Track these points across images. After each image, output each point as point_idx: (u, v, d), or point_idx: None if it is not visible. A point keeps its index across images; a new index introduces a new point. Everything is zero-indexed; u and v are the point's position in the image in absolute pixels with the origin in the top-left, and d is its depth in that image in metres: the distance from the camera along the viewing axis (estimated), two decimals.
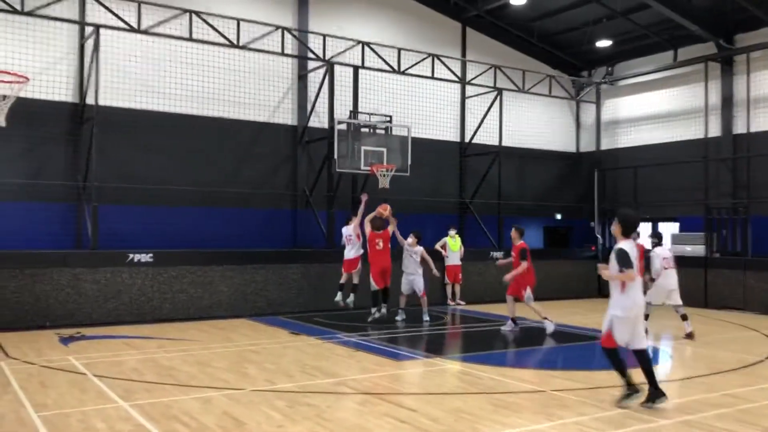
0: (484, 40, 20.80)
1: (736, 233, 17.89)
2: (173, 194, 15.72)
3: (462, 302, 17.20)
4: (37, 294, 12.75)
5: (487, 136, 19.84)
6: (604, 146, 22.20)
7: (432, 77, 18.26)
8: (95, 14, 14.56)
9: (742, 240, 17.70)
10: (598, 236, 20.98)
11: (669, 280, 12.09)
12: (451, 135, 20.34)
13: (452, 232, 17.44)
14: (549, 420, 6.73)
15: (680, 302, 12.17)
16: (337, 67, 16.89)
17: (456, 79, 19.20)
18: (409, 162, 16.28)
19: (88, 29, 14.66)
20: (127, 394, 7.61)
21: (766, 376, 9.08)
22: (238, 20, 15.35)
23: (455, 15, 20.25)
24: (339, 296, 13.81)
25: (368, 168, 15.87)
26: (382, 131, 16.61)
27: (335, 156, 15.66)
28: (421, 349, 11.51)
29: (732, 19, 18.19)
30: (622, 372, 7.31)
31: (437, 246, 17.19)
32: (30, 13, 13.53)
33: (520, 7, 19.48)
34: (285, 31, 16.14)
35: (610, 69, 21.93)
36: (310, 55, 17.05)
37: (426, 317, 13.89)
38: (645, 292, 12.26)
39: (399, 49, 17.51)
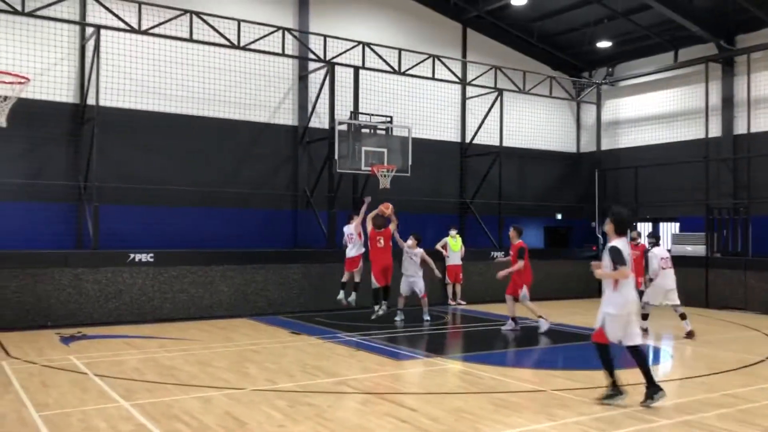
0: (484, 41, 20.81)
1: (736, 233, 17.88)
2: (174, 194, 15.74)
3: (463, 302, 17.21)
4: (38, 294, 12.76)
5: (487, 137, 19.85)
6: (604, 146, 22.19)
7: (432, 78, 18.26)
8: (96, 15, 14.57)
9: (743, 240, 17.70)
10: (599, 236, 20.97)
11: (667, 280, 12.13)
12: (452, 135, 20.35)
13: (453, 232, 17.46)
14: (550, 420, 6.74)
15: (678, 302, 12.20)
16: (337, 68, 16.90)
17: (456, 79, 19.21)
18: (410, 162, 16.29)
19: (89, 30, 14.68)
20: (128, 394, 7.61)
21: (766, 376, 9.08)
22: (239, 21, 15.36)
23: (456, 16, 20.26)
24: (341, 294, 13.92)
25: (369, 168, 15.88)
26: (383, 132, 16.61)
27: (336, 156, 15.67)
28: (421, 348, 11.50)
29: (733, 19, 18.20)
30: (610, 370, 7.37)
31: (438, 246, 17.21)
32: (31, 14, 13.54)
33: (521, 8, 19.48)
34: (285, 32, 16.14)
35: (610, 70, 21.93)
36: (311, 55, 17.06)
37: (427, 317, 13.91)
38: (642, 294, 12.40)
39: (399, 50, 17.51)
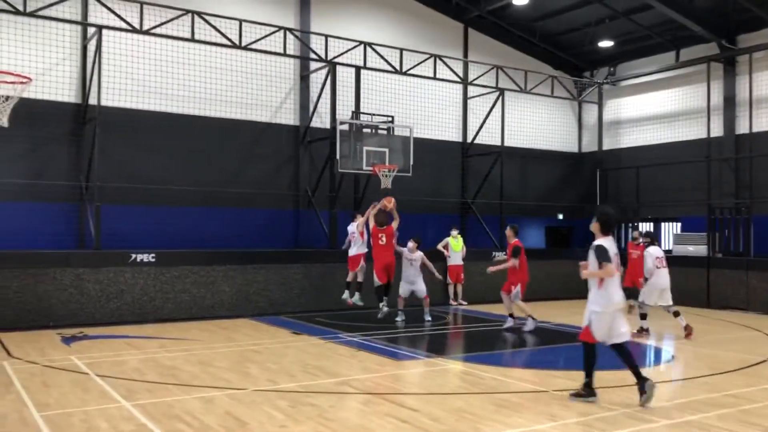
0: (486, 41, 20.79)
1: (738, 233, 17.86)
2: (175, 194, 15.74)
3: (464, 302, 17.21)
4: (39, 294, 12.78)
5: (489, 137, 19.85)
6: (606, 146, 22.18)
7: (434, 78, 18.26)
8: (98, 15, 14.58)
9: (745, 240, 17.68)
10: None
11: (661, 279, 12.12)
12: (453, 135, 20.35)
13: (454, 232, 17.45)
14: (551, 420, 6.74)
15: (671, 302, 12.20)
16: (339, 68, 16.89)
17: (458, 79, 19.20)
18: (411, 162, 16.30)
19: (91, 30, 14.68)
20: (129, 394, 7.62)
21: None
22: (240, 21, 15.37)
23: (457, 15, 20.25)
24: (346, 294, 13.99)
25: (370, 168, 15.88)
26: (384, 131, 16.62)
27: (337, 156, 15.66)
28: (423, 349, 11.51)
29: (734, 19, 18.19)
30: (588, 370, 7.45)
31: (439, 246, 17.21)
32: (33, 14, 13.55)
33: (522, 8, 19.47)
34: (287, 32, 16.15)
35: (612, 69, 21.91)
36: (312, 55, 17.05)
37: (428, 317, 13.90)
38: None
39: (401, 50, 17.51)
